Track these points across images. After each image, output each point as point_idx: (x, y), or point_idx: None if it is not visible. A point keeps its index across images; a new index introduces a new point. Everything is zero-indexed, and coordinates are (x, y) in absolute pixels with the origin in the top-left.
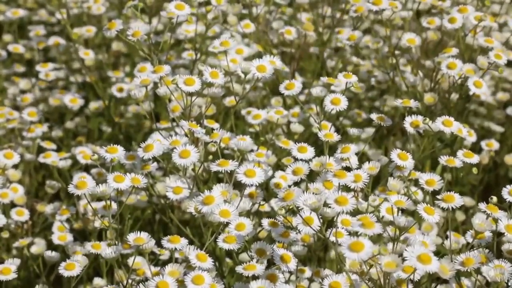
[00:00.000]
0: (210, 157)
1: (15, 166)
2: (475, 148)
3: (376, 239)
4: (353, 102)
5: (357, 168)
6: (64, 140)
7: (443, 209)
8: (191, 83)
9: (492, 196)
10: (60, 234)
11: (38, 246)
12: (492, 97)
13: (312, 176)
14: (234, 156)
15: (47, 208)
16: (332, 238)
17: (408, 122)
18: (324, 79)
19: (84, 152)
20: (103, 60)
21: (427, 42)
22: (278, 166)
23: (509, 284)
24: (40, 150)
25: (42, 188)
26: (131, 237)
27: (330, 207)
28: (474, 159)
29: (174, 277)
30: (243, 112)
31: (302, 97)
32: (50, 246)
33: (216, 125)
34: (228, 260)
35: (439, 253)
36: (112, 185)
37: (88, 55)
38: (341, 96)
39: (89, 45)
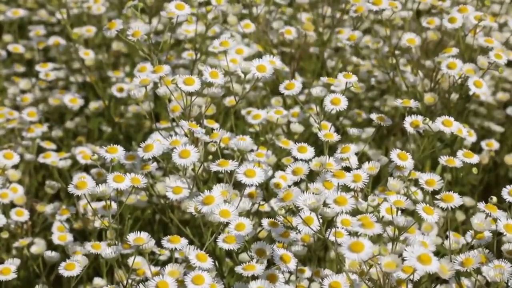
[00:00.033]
0: (210, 157)
1: (15, 166)
2: (475, 148)
3: (376, 239)
4: (353, 102)
5: (357, 168)
6: (64, 140)
7: (442, 209)
8: (191, 83)
9: (492, 196)
10: (60, 234)
11: (38, 246)
12: (492, 97)
13: (312, 176)
14: (234, 156)
15: (47, 208)
16: (332, 238)
17: (408, 122)
18: (324, 79)
19: (84, 152)
20: (103, 60)
21: (427, 42)
22: (278, 166)
23: (509, 284)
24: (40, 150)
25: (42, 188)
26: (131, 237)
27: (329, 207)
28: (474, 159)
29: (174, 277)
30: (243, 112)
31: (302, 97)
32: (50, 246)
33: (216, 125)
34: (228, 260)
35: (439, 253)
36: (112, 185)
37: (88, 55)
38: (341, 96)
39: (89, 45)
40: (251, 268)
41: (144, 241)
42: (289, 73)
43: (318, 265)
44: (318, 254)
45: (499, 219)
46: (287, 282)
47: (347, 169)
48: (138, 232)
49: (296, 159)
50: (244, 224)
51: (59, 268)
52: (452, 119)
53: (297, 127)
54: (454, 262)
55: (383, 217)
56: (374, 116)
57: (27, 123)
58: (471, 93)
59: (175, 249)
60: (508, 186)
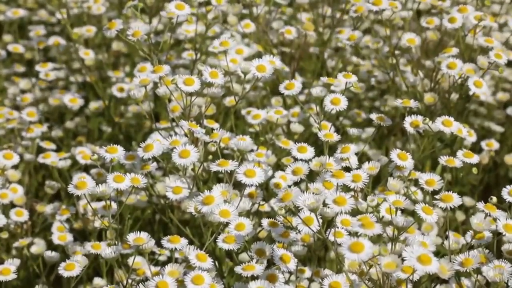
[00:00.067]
0: (210, 157)
1: (15, 167)
2: (475, 148)
3: (376, 239)
4: (353, 102)
5: (357, 168)
6: (64, 140)
7: (442, 209)
8: (191, 83)
9: (492, 196)
10: (60, 234)
11: (38, 246)
12: (492, 97)
13: (312, 176)
14: (234, 156)
15: (47, 208)
16: (332, 238)
17: (408, 122)
18: (324, 79)
19: (83, 152)
20: (103, 60)
21: (427, 42)
22: (278, 166)
23: (509, 284)
24: (40, 150)
25: (42, 188)
26: (131, 237)
27: (328, 207)
28: (474, 159)
29: (173, 277)
30: (243, 112)
31: (302, 97)
32: (50, 246)
33: (216, 125)
34: (228, 260)
35: (439, 253)
36: (112, 185)
37: (88, 55)
38: (341, 96)
39: (89, 45)
40: (251, 268)
41: (144, 241)
42: (289, 73)
43: (318, 265)
44: (318, 254)
45: (499, 219)
46: (287, 282)
47: (347, 169)
48: (138, 232)
49: (296, 159)
50: (244, 224)
51: (59, 269)
52: (452, 119)
53: (297, 127)
54: (453, 262)
55: (383, 217)
56: (374, 116)
57: (26, 123)
58: (471, 93)
59: (175, 249)
60: (508, 186)
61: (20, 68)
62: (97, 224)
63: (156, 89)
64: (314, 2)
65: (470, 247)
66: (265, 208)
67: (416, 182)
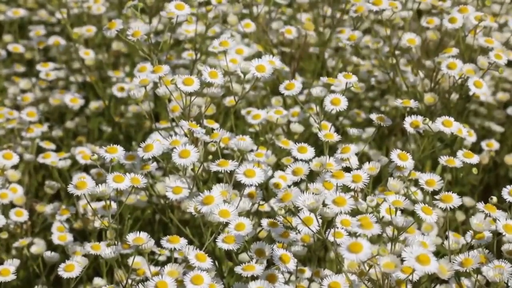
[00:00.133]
0: (210, 157)
1: (15, 167)
2: (475, 148)
3: (376, 239)
4: (354, 102)
5: (357, 169)
6: (64, 140)
7: (442, 209)
8: (190, 83)
9: (492, 196)
10: (60, 234)
11: (38, 246)
12: (492, 97)
13: (312, 176)
14: (234, 156)
15: (46, 208)
16: (331, 239)
17: (408, 122)
18: (324, 79)
19: (83, 152)
20: (103, 60)
21: (427, 42)
22: (278, 166)
23: (509, 284)
24: (40, 150)
25: (42, 188)
26: (131, 237)
27: (328, 207)
28: (474, 159)
29: (173, 277)
30: (243, 112)
31: (302, 97)
32: (50, 246)
33: (216, 125)
34: (227, 260)
35: (439, 253)
36: (112, 185)
37: (88, 55)
38: (341, 97)
39: (89, 45)
40: (251, 269)
41: (143, 241)
42: (289, 73)
43: (318, 265)
44: (318, 255)
45: (498, 219)
46: (287, 282)
47: (348, 169)
48: (138, 232)
49: (296, 159)
50: (243, 224)
51: (59, 270)
52: (452, 119)
53: (297, 127)
54: (453, 262)
55: (383, 217)
56: (374, 116)
57: (26, 123)
58: (471, 93)
59: (175, 249)
60: (508, 186)
61: (20, 68)
62: (97, 224)
63: (156, 89)
64: (314, 2)
65: (470, 247)
66: (265, 208)
67: (416, 182)
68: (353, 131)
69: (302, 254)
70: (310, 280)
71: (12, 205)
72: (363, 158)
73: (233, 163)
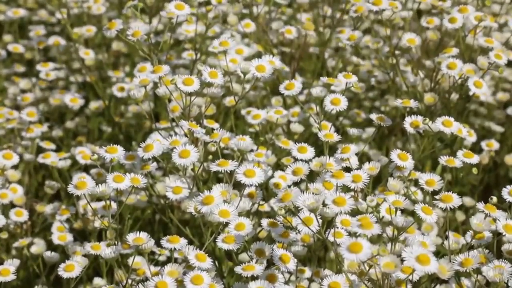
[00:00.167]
0: (210, 157)
1: (15, 167)
2: (475, 148)
3: (376, 239)
4: (354, 102)
5: (357, 169)
6: (64, 140)
7: (442, 209)
8: (190, 83)
9: (492, 196)
10: (60, 234)
11: (38, 246)
12: (492, 97)
13: (312, 176)
14: (234, 156)
15: (46, 208)
16: (331, 239)
17: (408, 122)
18: (324, 79)
19: (83, 152)
20: (103, 60)
21: (428, 42)
22: (278, 166)
23: (509, 284)
24: (40, 150)
25: (42, 188)
26: (130, 237)
27: (328, 207)
28: (474, 159)
29: (173, 277)
30: (243, 112)
31: (302, 97)
32: (50, 246)
33: (216, 125)
34: (227, 260)
35: (439, 253)
36: (112, 185)
37: (88, 55)
38: (341, 97)
39: (89, 45)
40: (251, 269)
41: (143, 241)
42: (289, 73)
43: (318, 265)
44: (318, 255)
45: (498, 220)
46: (287, 282)
47: (348, 169)
48: (138, 232)
49: (296, 159)
50: (243, 224)
51: (58, 270)
52: (452, 119)
53: (297, 127)
54: (453, 262)
55: (383, 217)
56: (374, 116)
57: (26, 123)
58: (471, 93)
59: (175, 249)
60: (508, 186)
61: (20, 68)
62: (97, 224)
63: (156, 89)
64: (314, 2)
65: (470, 247)
66: (265, 208)
67: (416, 182)
68: (353, 131)
69: (302, 254)
70: (310, 280)
71: (12, 205)
72: (363, 158)
73: (233, 163)
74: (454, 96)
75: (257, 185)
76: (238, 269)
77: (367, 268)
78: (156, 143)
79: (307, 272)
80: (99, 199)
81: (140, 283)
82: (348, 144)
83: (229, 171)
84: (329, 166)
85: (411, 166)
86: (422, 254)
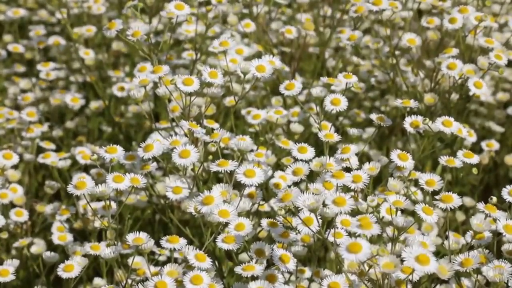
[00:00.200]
0: (210, 157)
1: (15, 167)
2: (475, 148)
3: (376, 239)
4: (354, 102)
5: (357, 169)
6: (64, 140)
7: (442, 209)
8: (190, 83)
9: (492, 197)
10: (60, 234)
11: (38, 246)
12: (492, 97)
13: (312, 176)
14: (234, 156)
15: (46, 208)
16: (331, 239)
17: (408, 122)
18: (324, 79)
19: (83, 152)
20: (103, 60)
21: (428, 42)
22: (278, 166)
23: (509, 284)
24: (40, 150)
25: (42, 188)
26: (130, 237)
27: (328, 207)
28: (474, 159)
29: (172, 277)
30: (243, 112)
31: (302, 97)
32: (50, 246)
33: (216, 125)
34: (227, 260)
35: (439, 253)
36: (111, 186)
37: (88, 55)
38: (341, 97)
39: (89, 45)
40: (251, 269)
41: (143, 241)
42: (289, 73)
43: (318, 265)
44: (318, 255)
45: (499, 220)
46: (286, 282)
47: (348, 169)
48: (138, 232)
49: (296, 160)
50: (243, 224)
51: (58, 270)
52: (452, 119)
53: (297, 127)
54: (453, 262)
55: (383, 217)
56: (374, 116)
57: (26, 123)
58: (471, 93)
59: (174, 249)
60: (508, 186)
61: (20, 68)
62: (97, 224)
63: (156, 89)
64: (314, 2)
65: (470, 248)
66: (265, 208)
67: (416, 183)
68: (353, 131)
69: (302, 254)
70: (310, 280)
71: (12, 205)
72: (363, 158)
73: (233, 163)
74: (454, 96)
75: (257, 185)
76: (238, 269)
77: (367, 268)
78: (156, 143)
79: (307, 272)
80: (99, 199)
81: (140, 283)
82: (348, 144)
83: (229, 171)
84: (329, 166)
85: (411, 166)
86: (421, 254)
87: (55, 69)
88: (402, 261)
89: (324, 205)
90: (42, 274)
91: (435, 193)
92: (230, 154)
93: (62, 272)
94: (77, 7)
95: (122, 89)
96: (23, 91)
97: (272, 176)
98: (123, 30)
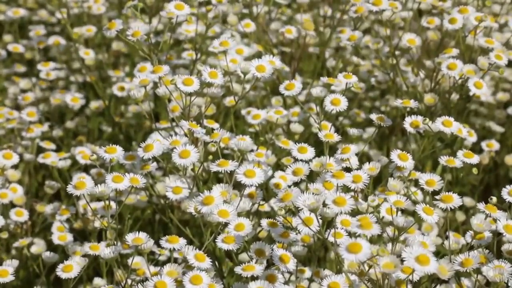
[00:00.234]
0: (210, 157)
1: (15, 166)
2: (476, 148)
3: (376, 239)
4: (354, 102)
5: (357, 169)
6: (64, 140)
7: (442, 209)
8: (190, 83)
9: (492, 197)
10: (60, 234)
11: (38, 246)
12: (492, 97)
13: (312, 176)
14: (234, 156)
15: (46, 208)
16: (331, 239)
17: (408, 123)
18: (324, 79)
19: (83, 152)
20: (103, 60)
21: (428, 42)
22: (278, 166)
23: (509, 284)
24: (40, 150)
25: (42, 188)
26: (130, 237)
27: (328, 207)
28: (474, 159)
29: (172, 277)
30: (243, 112)
31: (302, 97)
32: (50, 246)
33: (216, 125)
34: (228, 260)
35: (439, 253)
36: (111, 186)
37: (88, 55)
38: (341, 97)
39: (89, 45)
40: (251, 269)
41: (142, 241)
42: (289, 73)
43: (318, 265)
44: (318, 255)
45: (499, 220)
46: (286, 282)
47: (348, 169)
48: (137, 232)
49: (296, 160)
50: (243, 225)
51: (57, 270)
52: (452, 119)
53: (297, 127)
54: (453, 262)
55: (383, 217)
56: (374, 116)
57: (26, 123)
58: (471, 93)
59: (174, 249)
60: (508, 186)
61: (21, 68)
62: (97, 224)
63: (156, 89)
64: (314, 2)
65: (470, 248)
66: (265, 208)
67: (416, 183)
68: (353, 131)
69: (302, 254)
70: (310, 280)
71: (12, 205)
72: (363, 158)
73: (233, 163)
74: (454, 97)
75: (257, 185)
76: (238, 269)
77: (367, 268)
78: (156, 143)
79: (307, 272)
80: (99, 199)
81: (140, 283)
82: (348, 144)
83: (229, 171)
84: (329, 166)
85: (411, 166)
86: (421, 254)
87: (55, 69)
88: (402, 261)
89: (324, 205)
90: (42, 274)
91: (435, 193)
92: (230, 154)
93: (61, 272)
94: (77, 7)
95: (122, 89)
96: (23, 91)
97: (272, 176)
98: (123, 30)
